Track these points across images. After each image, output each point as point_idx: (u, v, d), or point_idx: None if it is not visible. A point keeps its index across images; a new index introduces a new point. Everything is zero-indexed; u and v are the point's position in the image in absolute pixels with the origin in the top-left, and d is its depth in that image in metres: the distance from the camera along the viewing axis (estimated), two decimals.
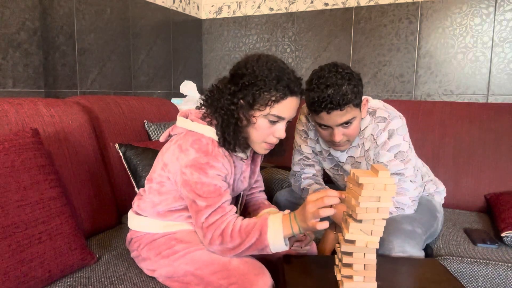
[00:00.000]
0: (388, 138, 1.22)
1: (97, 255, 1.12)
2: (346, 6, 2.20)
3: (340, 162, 1.35)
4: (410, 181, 1.23)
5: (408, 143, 1.24)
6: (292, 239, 1.06)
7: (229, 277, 0.91)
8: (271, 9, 2.42)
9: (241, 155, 1.05)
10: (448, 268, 1.17)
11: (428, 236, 1.25)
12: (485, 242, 1.28)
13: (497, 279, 1.14)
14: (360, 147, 1.29)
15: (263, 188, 1.30)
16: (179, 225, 1.06)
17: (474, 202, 1.66)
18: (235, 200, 1.13)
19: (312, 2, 2.30)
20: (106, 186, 1.40)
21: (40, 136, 1.07)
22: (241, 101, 0.95)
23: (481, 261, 1.17)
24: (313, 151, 1.43)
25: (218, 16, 2.59)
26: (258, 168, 1.21)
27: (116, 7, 1.90)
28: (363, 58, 2.20)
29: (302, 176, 1.42)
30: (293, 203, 1.49)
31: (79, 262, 1.03)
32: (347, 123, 1.15)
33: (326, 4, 2.26)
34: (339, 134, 1.17)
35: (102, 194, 1.36)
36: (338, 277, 0.84)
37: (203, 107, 1.02)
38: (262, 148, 1.02)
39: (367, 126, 1.25)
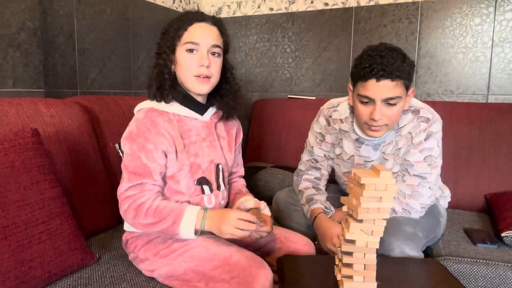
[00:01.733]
0: (425, 139, 1.19)
1: (97, 255, 1.12)
2: (346, 6, 2.20)
3: (369, 161, 1.30)
4: (429, 187, 1.21)
5: (440, 150, 1.22)
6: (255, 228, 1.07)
7: (231, 272, 0.92)
8: (271, 9, 2.42)
9: (189, 114, 1.08)
10: (448, 269, 1.17)
11: (428, 240, 1.24)
12: (485, 242, 1.28)
13: (497, 279, 1.14)
14: (394, 144, 1.25)
15: (243, 173, 1.32)
16: None
17: (474, 202, 1.66)
18: (216, 175, 1.12)
19: (312, 2, 2.30)
20: (106, 186, 1.39)
21: (40, 136, 1.07)
22: (165, 50, 1.04)
23: (481, 261, 1.17)
24: (325, 155, 1.40)
25: (218, 16, 2.59)
26: (234, 143, 1.21)
27: (116, 7, 1.90)
28: None
29: (303, 177, 1.41)
30: (291, 204, 1.49)
31: (79, 262, 1.03)
32: (392, 100, 1.10)
33: (326, 4, 2.26)
34: (380, 112, 1.11)
35: (102, 194, 1.36)
36: (338, 277, 0.84)
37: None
38: (195, 84, 1.04)
39: (406, 124, 1.22)
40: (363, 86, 1.11)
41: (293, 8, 2.35)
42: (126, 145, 1.02)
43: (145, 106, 1.06)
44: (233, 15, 2.54)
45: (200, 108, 1.10)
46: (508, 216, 1.35)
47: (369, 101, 1.13)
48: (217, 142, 1.13)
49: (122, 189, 1.00)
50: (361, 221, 0.77)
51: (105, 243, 1.26)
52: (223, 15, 2.57)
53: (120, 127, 1.53)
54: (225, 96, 1.12)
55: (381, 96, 1.10)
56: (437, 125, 1.20)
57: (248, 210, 1.15)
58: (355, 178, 0.77)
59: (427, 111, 1.22)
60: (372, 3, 2.14)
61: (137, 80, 2.07)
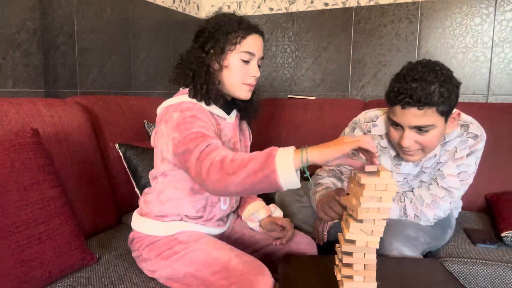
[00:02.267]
0: (467, 155, 1.14)
1: (97, 255, 1.13)
2: (346, 6, 2.20)
3: (407, 178, 1.24)
4: (450, 202, 1.18)
5: (476, 168, 1.17)
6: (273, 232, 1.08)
7: (228, 278, 0.91)
8: (271, 9, 2.42)
9: (221, 114, 1.05)
10: (448, 269, 1.17)
11: (430, 247, 1.23)
12: (485, 242, 1.28)
13: (497, 279, 1.14)
14: (436, 158, 1.18)
15: None
16: (179, 226, 1.06)
17: (474, 202, 1.66)
18: None
19: (312, 2, 2.30)
20: (106, 186, 1.39)
21: (40, 136, 1.07)
22: (211, 50, 1.01)
23: (480, 261, 1.17)
24: None
25: None
26: (248, 143, 1.21)
27: (116, 7, 1.90)
28: (363, 58, 2.20)
29: (325, 176, 1.33)
30: (296, 200, 1.49)
31: (79, 262, 1.03)
32: (422, 129, 1.02)
33: (326, 4, 2.26)
34: (408, 139, 1.03)
35: (102, 194, 1.36)
36: (338, 277, 0.84)
37: (176, 81, 1.05)
38: (244, 90, 1.04)
39: (453, 139, 1.15)
40: (391, 110, 1.05)
41: (293, 8, 2.35)
42: (175, 132, 0.92)
43: (180, 100, 0.99)
44: None
45: (227, 108, 1.08)
46: (508, 216, 1.34)
47: (398, 125, 1.06)
48: (238, 144, 1.13)
49: (197, 152, 0.85)
50: (361, 221, 0.77)
51: (105, 243, 1.26)
52: None
53: (120, 127, 1.53)
54: (251, 97, 1.10)
55: (408, 124, 1.02)
56: (482, 143, 1.15)
57: (260, 221, 1.18)
58: (355, 178, 0.77)
59: (477, 127, 1.16)
60: (372, 3, 2.14)
61: (137, 80, 2.07)
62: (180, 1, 2.39)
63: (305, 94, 2.37)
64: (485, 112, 1.72)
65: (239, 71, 1.01)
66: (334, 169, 1.34)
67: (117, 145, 1.45)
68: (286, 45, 2.40)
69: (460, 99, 1.98)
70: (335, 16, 2.24)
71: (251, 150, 1.16)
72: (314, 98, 2.25)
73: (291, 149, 0.79)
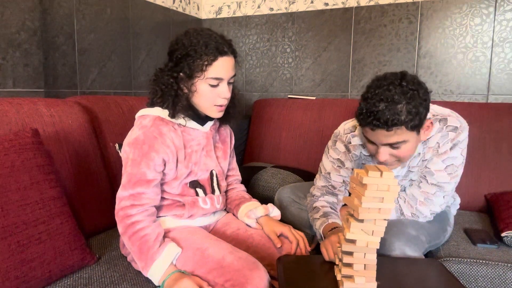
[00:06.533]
0: (450, 149, 1.14)
1: (97, 255, 1.13)
2: (346, 6, 2.20)
3: (396, 179, 1.26)
4: (443, 196, 1.18)
5: (463, 158, 1.17)
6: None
7: (224, 274, 0.92)
8: (271, 9, 2.42)
9: (193, 126, 1.10)
10: (448, 269, 1.17)
11: (431, 246, 1.24)
12: (485, 242, 1.28)
13: (497, 279, 1.14)
14: (421, 156, 1.19)
15: (239, 177, 1.33)
16: (169, 221, 1.09)
17: (474, 202, 1.66)
18: (210, 180, 1.15)
19: (312, 2, 2.30)
20: (106, 186, 1.39)
21: (40, 136, 1.07)
22: (181, 74, 1.03)
23: (481, 261, 1.17)
24: (344, 181, 1.31)
25: (218, 16, 2.59)
26: (229, 150, 1.24)
27: (116, 7, 1.90)
28: (363, 58, 2.20)
29: (319, 198, 1.32)
30: (295, 201, 1.49)
31: (79, 262, 1.03)
32: (394, 145, 1.04)
33: (326, 4, 2.26)
34: (383, 153, 1.06)
35: (102, 194, 1.36)
36: (338, 277, 0.84)
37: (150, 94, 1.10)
38: (214, 112, 1.07)
39: (434, 135, 1.16)
40: (363, 129, 1.07)
41: (293, 8, 2.35)
42: (129, 151, 1.02)
43: (151, 113, 1.06)
44: (233, 15, 2.54)
45: (201, 120, 1.12)
46: (508, 216, 1.34)
47: (372, 142, 1.08)
48: (213, 152, 1.16)
49: (121, 195, 1.02)
50: (362, 220, 0.77)
51: (105, 243, 1.26)
52: (223, 15, 2.57)
53: (120, 127, 1.53)
54: (227, 108, 1.14)
55: (380, 142, 1.05)
56: (464, 134, 1.15)
57: (257, 218, 1.18)
58: (357, 177, 0.77)
59: (455, 119, 1.15)
60: (372, 3, 2.14)
61: (137, 80, 2.07)
62: (180, 1, 2.38)
63: (305, 94, 2.37)
64: (485, 112, 1.72)
65: (208, 95, 1.04)
66: (326, 185, 1.33)
67: (117, 145, 1.45)
68: (286, 45, 2.40)
69: (460, 99, 2.00)
70: (335, 16, 2.24)
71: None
72: (314, 98, 2.25)
73: (159, 273, 0.94)
